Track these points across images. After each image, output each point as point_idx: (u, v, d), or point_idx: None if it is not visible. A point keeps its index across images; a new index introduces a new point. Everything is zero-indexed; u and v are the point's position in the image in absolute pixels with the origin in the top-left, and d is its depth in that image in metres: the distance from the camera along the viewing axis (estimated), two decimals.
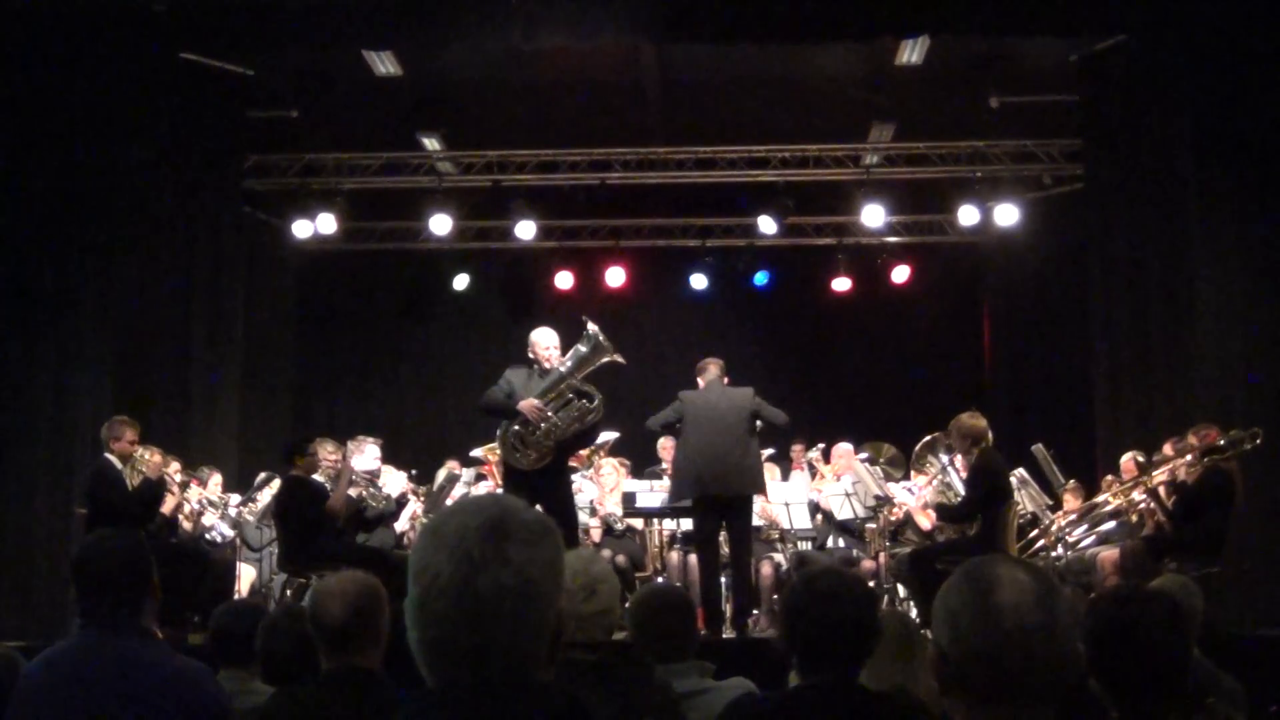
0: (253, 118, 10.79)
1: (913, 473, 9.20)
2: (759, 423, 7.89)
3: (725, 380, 8.05)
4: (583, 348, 7.70)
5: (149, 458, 8.05)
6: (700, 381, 8.09)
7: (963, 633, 1.76)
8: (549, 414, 7.53)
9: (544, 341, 7.77)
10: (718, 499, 7.84)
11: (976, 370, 13.34)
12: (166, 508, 8.31)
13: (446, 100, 10.88)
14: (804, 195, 12.07)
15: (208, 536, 9.33)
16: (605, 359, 7.70)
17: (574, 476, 9.69)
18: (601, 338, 7.67)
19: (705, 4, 9.23)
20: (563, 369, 7.66)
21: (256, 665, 3.64)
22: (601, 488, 9.74)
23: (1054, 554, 8.66)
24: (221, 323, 10.57)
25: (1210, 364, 8.78)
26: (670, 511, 8.99)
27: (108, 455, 7.88)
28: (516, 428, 7.55)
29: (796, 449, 11.01)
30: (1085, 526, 8.70)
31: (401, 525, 9.38)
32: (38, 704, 2.87)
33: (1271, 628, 7.76)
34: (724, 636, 7.76)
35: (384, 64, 10.19)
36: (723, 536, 8.14)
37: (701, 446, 7.81)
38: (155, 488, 8.02)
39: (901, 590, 8.74)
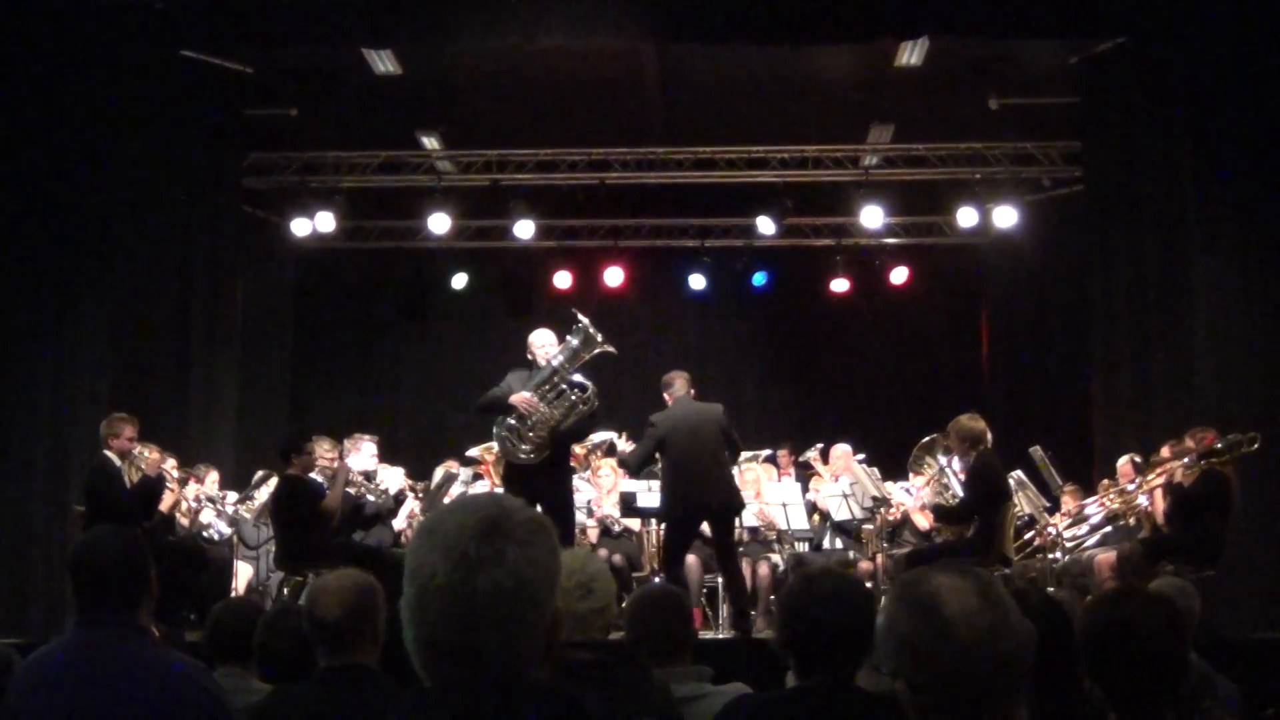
0: (252, 116, 10.79)
1: (910, 474, 9.20)
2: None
3: (691, 393, 8.02)
4: (573, 341, 7.76)
5: (147, 455, 8.06)
6: (667, 397, 8.05)
7: (922, 658, 1.74)
8: (542, 407, 7.57)
9: (540, 341, 7.85)
10: (705, 512, 7.91)
11: (974, 372, 13.34)
12: (164, 505, 8.31)
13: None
14: (803, 196, 12.07)
15: (205, 534, 9.33)
16: (596, 350, 7.76)
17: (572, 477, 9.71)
18: (591, 330, 7.72)
19: (705, 4, 9.23)
20: (555, 363, 7.70)
21: (254, 663, 3.64)
22: (599, 489, 9.74)
23: (1051, 556, 8.67)
24: (220, 320, 10.56)
25: (1208, 367, 8.79)
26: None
27: (106, 452, 7.88)
28: (512, 422, 7.60)
29: (782, 454, 11.00)
30: (1084, 529, 8.71)
31: (399, 523, 9.37)
32: (33, 702, 2.87)
33: (1267, 631, 7.77)
34: (719, 637, 7.76)
35: (383, 63, 10.19)
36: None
37: (680, 465, 7.81)
38: (154, 485, 8.03)
39: None
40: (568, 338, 7.80)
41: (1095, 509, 8.64)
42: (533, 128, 11.63)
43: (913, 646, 1.75)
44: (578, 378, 7.72)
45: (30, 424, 8.92)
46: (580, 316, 7.78)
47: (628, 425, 10.45)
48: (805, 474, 10.56)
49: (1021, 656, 1.75)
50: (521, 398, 7.58)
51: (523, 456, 7.60)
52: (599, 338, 7.72)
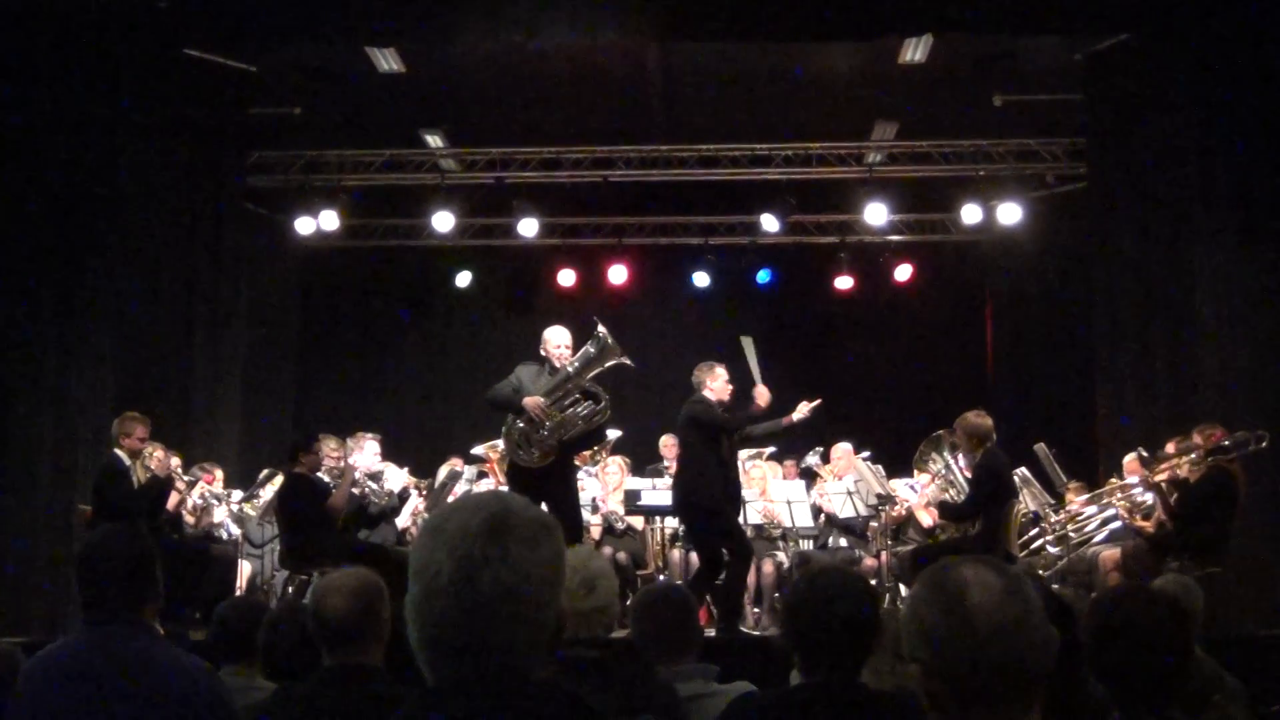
0: (255, 114, 10.78)
1: (915, 470, 9.19)
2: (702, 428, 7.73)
3: (704, 387, 7.90)
4: (591, 349, 7.75)
5: (156, 455, 8.09)
6: None
7: (943, 645, 1.74)
8: (554, 413, 7.55)
9: (555, 340, 7.81)
10: (676, 510, 8.10)
11: (979, 369, 13.32)
12: (170, 504, 8.33)
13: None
14: (807, 193, 12.06)
15: (216, 533, 9.34)
16: (612, 361, 7.75)
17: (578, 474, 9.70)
18: (610, 340, 7.73)
19: (709, 2, 9.22)
20: (570, 369, 7.69)
21: (258, 661, 3.64)
22: (605, 485, 9.75)
23: (1056, 553, 8.66)
24: (224, 319, 10.57)
25: (1213, 363, 8.78)
26: (672, 510, 9.02)
27: (116, 451, 7.88)
28: (522, 425, 7.59)
29: (788, 464, 10.96)
30: (1092, 524, 8.70)
31: (403, 521, 9.39)
32: (39, 701, 2.87)
33: (1273, 628, 7.76)
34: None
35: (387, 61, 10.19)
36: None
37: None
38: (162, 484, 8.05)
39: (903, 589, 8.74)
40: (587, 345, 7.79)
41: (1105, 507, 8.62)
42: (536, 125, 11.63)
43: (933, 632, 1.76)
44: (591, 387, 7.71)
45: (35, 423, 8.91)
46: (600, 326, 7.78)
47: (631, 422, 10.46)
48: (809, 477, 10.53)
49: (1040, 658, 1.74)
50: (534, 403, 7.54)
51: (530, 460, 7.60)
52: (618, 349, 7.73)
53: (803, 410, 7.94)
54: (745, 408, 7.85)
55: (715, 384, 7.89)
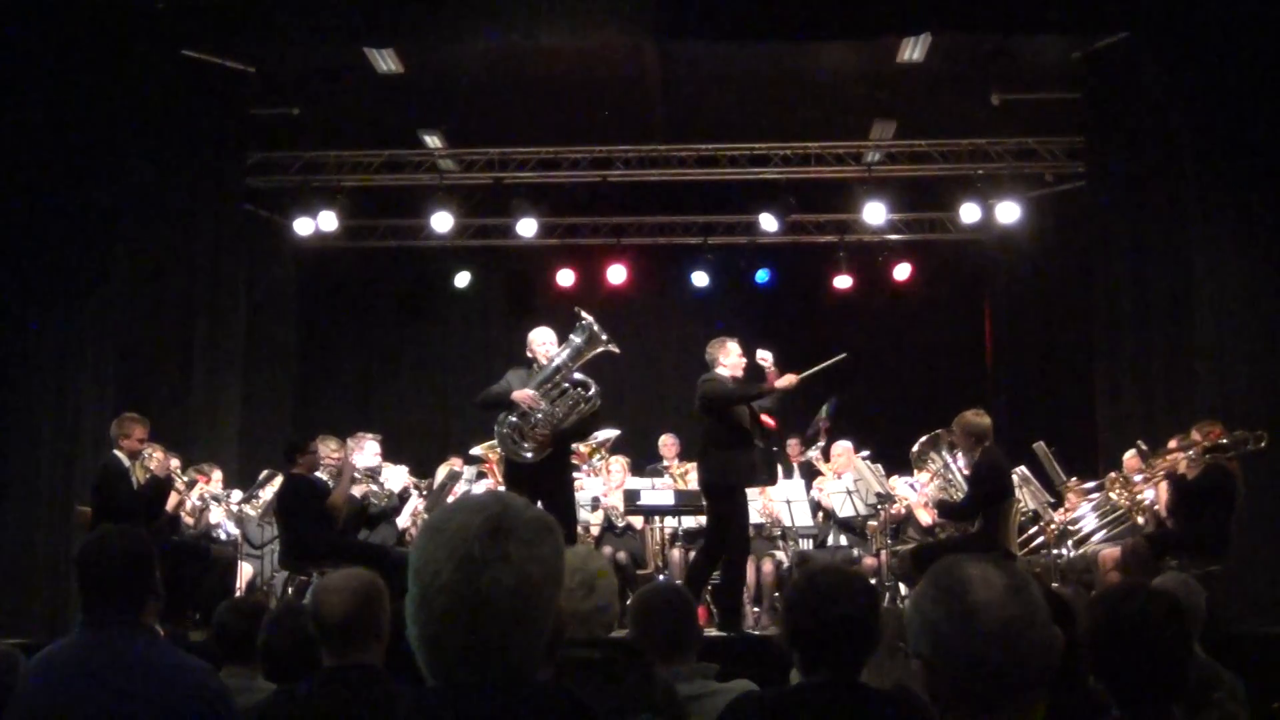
0: (254, 115, 10.79)
1: (915, 469, 9.19)
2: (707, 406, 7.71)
3: (717, 364, 7.87)
4: (577, 338, 7.75)
5: (156, 455, 8.09)
6: None
7: (945, 641, 1.75)
8: (544, 404, 7.56)
9: (540, 339, 7.83)
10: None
11: (978, 368, 13.33)
12: (169, 505, 8.33)
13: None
14: (805, 193, 12.06)
15: (214, 534, 9.34)
16: (600, 349, 7.75)
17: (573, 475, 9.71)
18: (595, 328, 7.70)
19: (709, 2, 9.22)
20: (558, 360, 7.69)
21: (258, 662, 3.64)
22: (608, 481, 9.76)
23: (1055, 551, 8.66)
24: (223, 320, 10.56)
25: (1211, 362, 8.78)
26: (672, 509, 9.03)
27: (115, 452, 7.89)
28: (514, 419, 7.59)
29: (792, 443, 10.98)
30: (1091, 524, 8.71)
31: (403, 522, 9.39)
32: (39, 702, 2.87)
33: (1273, 625, 7.76)
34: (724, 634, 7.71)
35: (385, 61, 10.19)
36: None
37: None
38: (162, 485, 8.06)
39: (903, 588, 8.74)
40: (571, 335, 7.79)
41: (1104, 505, 8.62)
42: (535, 125, 11.63)
43: (935, 628, 1.76)
44: (580, 376, 7.71)
45: (35, 424, 8.93)
46: (584, 314, 7.77)
47: (630, 422, 10.46)
48: (810, 473, 10.55)
49: (1043, 657, 1.74)
50: (524, 394, 7.56)
51: (524, 455, 7.59)
52: (603, 336, 7.71)
53: (788, 379, 7.82)
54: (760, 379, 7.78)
55: (728, 360, 7.84)
